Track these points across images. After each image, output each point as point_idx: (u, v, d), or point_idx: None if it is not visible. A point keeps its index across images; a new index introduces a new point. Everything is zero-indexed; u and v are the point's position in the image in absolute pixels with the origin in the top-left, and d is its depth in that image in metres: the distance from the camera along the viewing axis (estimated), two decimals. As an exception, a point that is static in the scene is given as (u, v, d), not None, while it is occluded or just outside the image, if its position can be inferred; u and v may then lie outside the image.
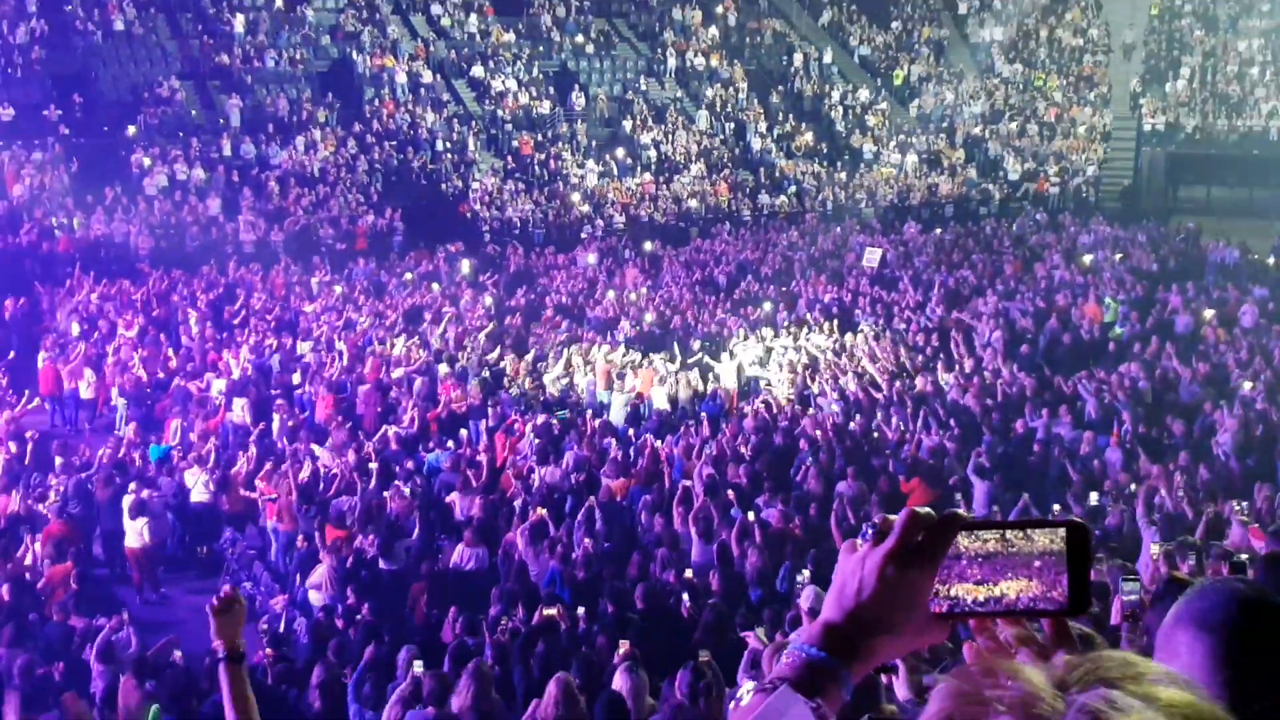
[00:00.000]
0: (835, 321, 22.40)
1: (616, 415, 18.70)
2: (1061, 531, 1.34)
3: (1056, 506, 13.49)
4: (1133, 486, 13.86)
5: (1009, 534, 1.35)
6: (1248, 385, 18.23)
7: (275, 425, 17.65)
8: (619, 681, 8.23)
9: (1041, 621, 1.38)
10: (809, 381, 19.16)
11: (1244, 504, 11.65)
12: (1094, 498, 13.09)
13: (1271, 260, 28.19)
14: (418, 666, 8.79)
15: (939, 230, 31.77)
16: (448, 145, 34.05)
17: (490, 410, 18.02)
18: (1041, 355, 20.74)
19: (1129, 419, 16.67)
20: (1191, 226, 31.66)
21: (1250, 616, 2.18)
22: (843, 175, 36.51)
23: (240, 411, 18.15)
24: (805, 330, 21.91)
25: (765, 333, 21.94)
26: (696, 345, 21.46)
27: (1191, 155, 36.30)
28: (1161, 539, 10.60)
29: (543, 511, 13.31)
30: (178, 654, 10.32)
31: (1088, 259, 27.41)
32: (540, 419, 17.32)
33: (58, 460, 16.30)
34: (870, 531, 1.42)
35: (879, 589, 1.37)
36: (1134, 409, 17.20)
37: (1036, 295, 24.47)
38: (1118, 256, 27.81)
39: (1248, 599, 2.25)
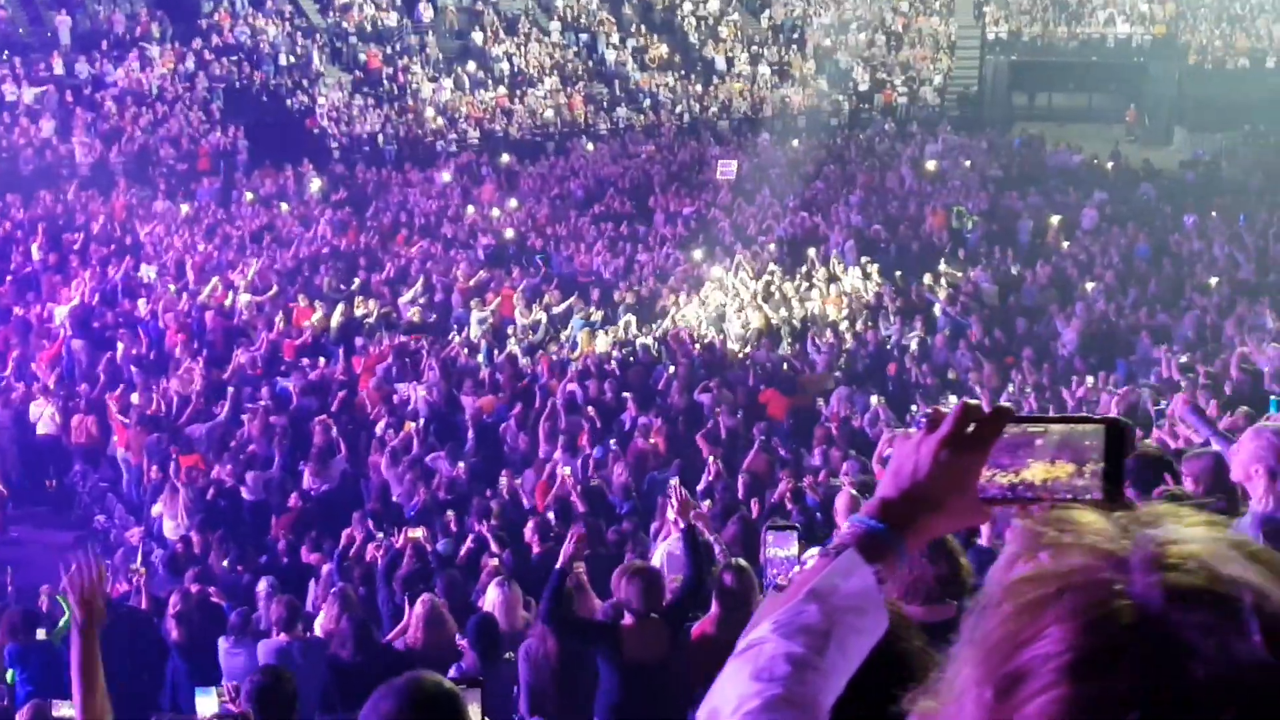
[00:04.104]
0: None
1: (475, 332, 18.49)
2: (1100, 426, 1.43)
3: (914, 408, 13.90)
4: (978, 388, 14.35)
5: (1053, 428, 1.46)
6: (1089, 285, 18.98)
7: (119, 353, 17.03)
8: (491, 595, 8.14)
9: None
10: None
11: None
12: (952, 400, 13.49)
13: (1110, 165, 29.19)
14: (276, 593, 8.65)
15: (794, 141, 31.98)
16: (291, 60, 32.88)
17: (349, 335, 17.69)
18: (893, 263, 21.18)
19: (976, 323, 17.20)
20: (1034, 133, 32.53)
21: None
22: (697, 88, 36.39)
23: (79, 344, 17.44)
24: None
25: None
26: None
27: (1033, 62, 37.06)
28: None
29: (411, 427, 13.22)
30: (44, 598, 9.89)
31: (931, 165, 27.98)
32: (400, 339, 17.06)
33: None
34: (924, 420, 1.57)
35: (933, 471, 1.51)
36: (980, 313, 17.74)
37: (887, 204, 24.90)
38: (967, 164, 28.44)
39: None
